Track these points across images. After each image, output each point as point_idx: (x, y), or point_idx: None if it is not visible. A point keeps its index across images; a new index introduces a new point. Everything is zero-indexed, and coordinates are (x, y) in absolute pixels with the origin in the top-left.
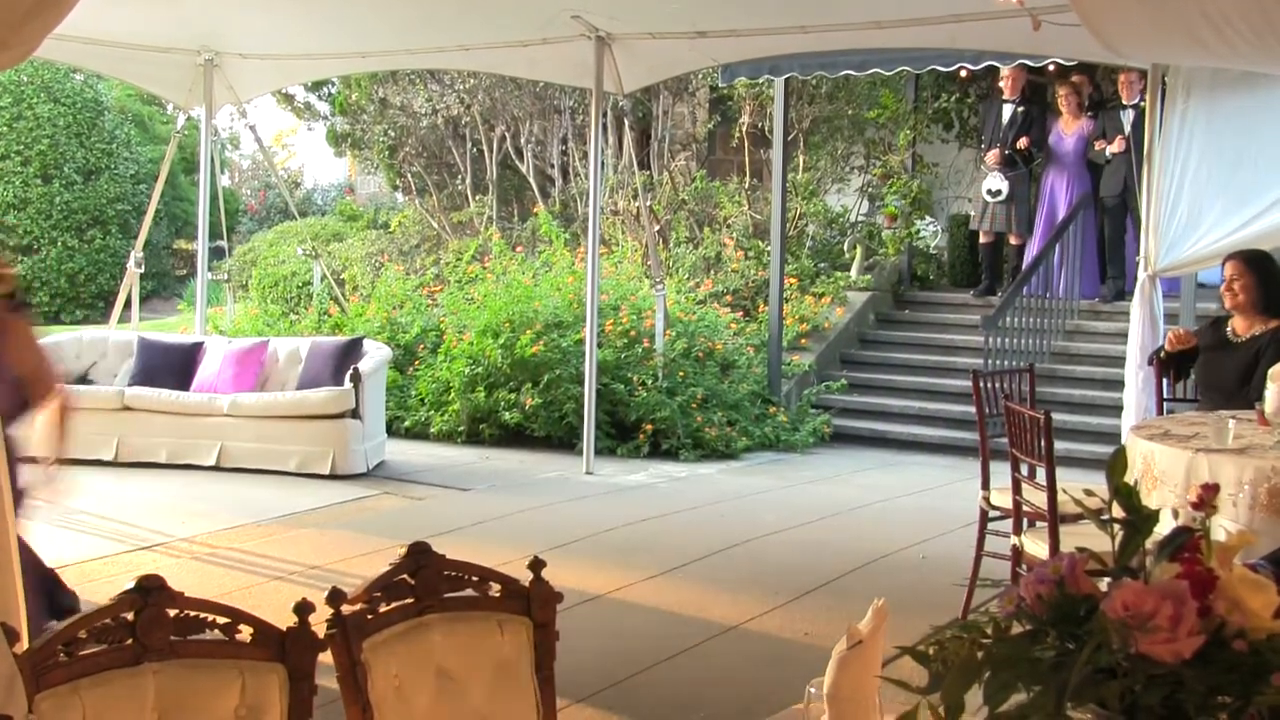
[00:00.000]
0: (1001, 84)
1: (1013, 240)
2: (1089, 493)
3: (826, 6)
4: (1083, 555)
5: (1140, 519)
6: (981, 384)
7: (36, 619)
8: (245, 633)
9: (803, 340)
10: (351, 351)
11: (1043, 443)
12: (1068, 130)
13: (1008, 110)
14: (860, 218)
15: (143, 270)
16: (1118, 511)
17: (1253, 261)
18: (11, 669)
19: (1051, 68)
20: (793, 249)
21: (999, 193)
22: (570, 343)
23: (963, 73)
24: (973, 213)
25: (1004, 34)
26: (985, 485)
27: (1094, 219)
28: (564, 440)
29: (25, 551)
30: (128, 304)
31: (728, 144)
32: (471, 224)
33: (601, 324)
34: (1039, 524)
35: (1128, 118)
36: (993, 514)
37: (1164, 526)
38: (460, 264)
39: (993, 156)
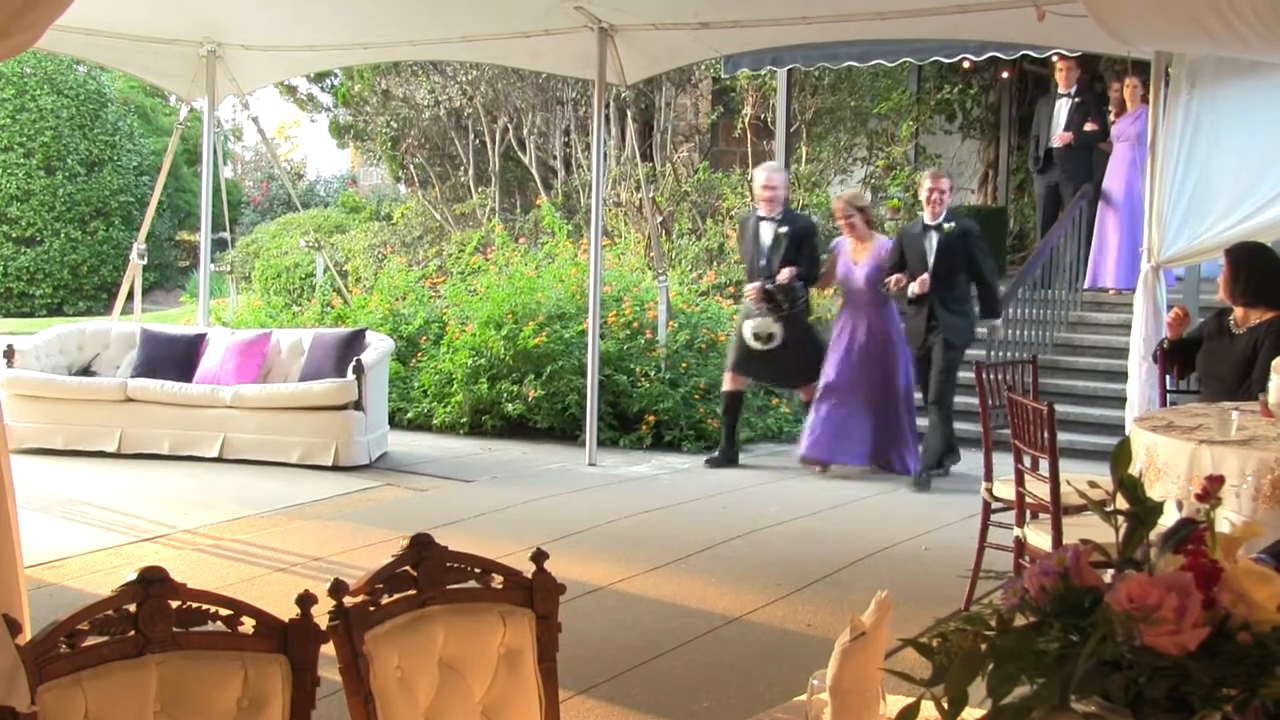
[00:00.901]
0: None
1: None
2: (1093, 484)
3: None
4: (1087, 547)
5: (1145, 511)
6: (984, 375)
7: None
8: (248, 624)
9: None
10: (354, 343)
11: (1045, 434)
12: (858, 258)
13: (1063, 105)
14: None
15: (145, 262)
16: (1121, 503)
17: (1247, 255)
18: (14, 661)
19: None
20: None
21: (771, 337)
22: (573, 334)
23: (965, 63)
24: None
25: (1008, 25)
26: (988, 477)
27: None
28: (566, 432)
29: None
30: (130, 295)
31: (730, 135)
32: (474, 215)
33: (604, 315)
34: (1042, 516)
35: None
36: (995, 506)
37: (1168, 518)
38: (463, 255)
39: (752, 291)
